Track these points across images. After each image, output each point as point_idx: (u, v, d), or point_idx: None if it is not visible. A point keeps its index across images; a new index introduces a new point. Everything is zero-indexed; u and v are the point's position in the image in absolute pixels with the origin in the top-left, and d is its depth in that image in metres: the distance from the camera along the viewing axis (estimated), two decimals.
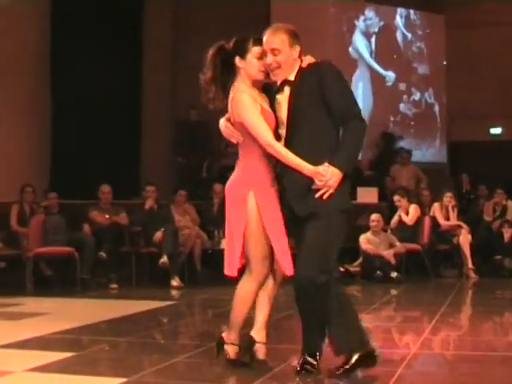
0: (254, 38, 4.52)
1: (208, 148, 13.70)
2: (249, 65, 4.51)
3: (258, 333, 4.63)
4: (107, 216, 10.76)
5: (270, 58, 4.43)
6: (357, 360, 4.47)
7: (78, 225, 10.55)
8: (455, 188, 13.37)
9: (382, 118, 16.47)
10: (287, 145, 4.42)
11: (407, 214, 11.37)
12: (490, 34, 16.51)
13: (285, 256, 4.48)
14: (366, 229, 11.08)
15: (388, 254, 10.68)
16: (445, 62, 17.12)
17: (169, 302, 8.62)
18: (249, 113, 4.42)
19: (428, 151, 17.14)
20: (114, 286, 9.98)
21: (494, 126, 17.26)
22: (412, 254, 11.10)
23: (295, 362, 4.64)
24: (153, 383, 4.42)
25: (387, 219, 11.48)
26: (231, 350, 4.66)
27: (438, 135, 17.26)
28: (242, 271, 4.60)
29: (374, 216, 10.98)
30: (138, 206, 11.24)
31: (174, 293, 9.65)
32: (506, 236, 11.64)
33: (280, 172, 4.51)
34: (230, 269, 4.56)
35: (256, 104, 4.47)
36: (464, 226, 11.52)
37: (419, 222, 11.43)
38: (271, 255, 4.52)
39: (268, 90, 4.64)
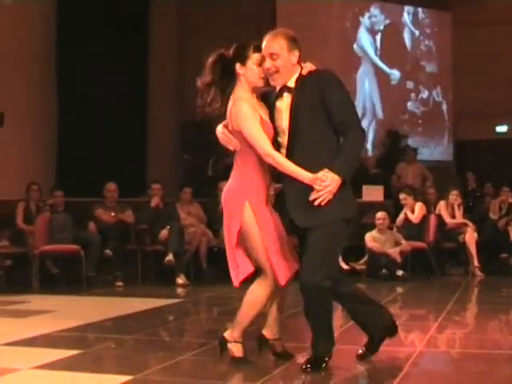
0: (254, 44, 4.52)
1: (213, 146, 13.71)
2: (249, 71, 4.51)
3: (269, 329, 4.73)
4: (113, 214, 10.77)
5: (268, 63, 4.44)
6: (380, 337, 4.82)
7: (83, 223, 10.56)
8: (461, 186, 13.35)
9: (389, 117, 16.47)
10: (289, 152, 4.43)
11: (413, 212, 11.36)
12: (496, 31, 16.48)
13: (279, 266, 4.48)
14: (372, 227, 11.07)
15: (394, 252, 10.66)
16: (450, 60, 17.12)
17: (174, 300, 8.62)
18: (248, 122, 4.42)
19: (436, 149, 17.16)
20: (120, 283, 9.99)
21: (500, 124, 17.24)
22: (418, 252, 11.08)
23: (301, 359, 4.65)
24: (158, 381, 4.42)
25: (393, 217, 11.46)
26: (235, 348, 4.66)
27: (446, 133, 17.26)
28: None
29: (379, 214, 10.96)
30: (144, 203, 11.24)
31: (179, 291, 9.65)
32: None
33: (281, 182, 4.54)
34: (234, 280, 4.60)
35: (255, 113, 4.47)
36: (470, 224, 11.50)
37: (425, 220, 11.41)
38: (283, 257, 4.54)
39: (266, 97, 4.63)
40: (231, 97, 4.54)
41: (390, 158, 14.70)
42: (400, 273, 10.51)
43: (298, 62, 4.50)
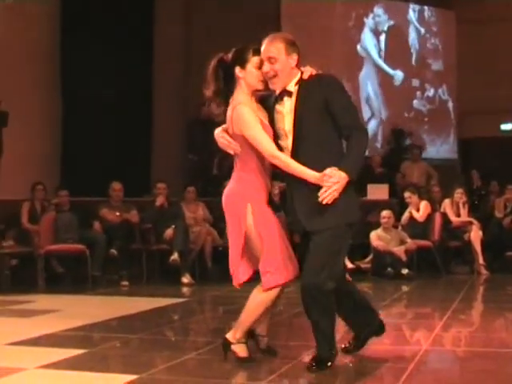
0: (254, 48, 4.53)
1: (218, 146, 13.68)
2: (248, 74, 4.52)
3: (259, 325, 4.74)
4: (118, 213, 10.78)
5: (266, 67, 4.44)
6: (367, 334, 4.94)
7: (88, 222, 10.58)
8: (466, 184, 13.33)
9: (394, 115, 16.45)
10: (293, 155, 4.44)
11: (418, 210, 11.35)
12: (500, 29, 16.47)
13: (277, 270, 4.49)
14: (377, 225, 11.07)
15: (399, 250, 10.66)
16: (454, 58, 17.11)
17: (180, 299, 8.63)
18: (250, 126, 4.43)
19: (442, 147, 17.16)
20: (125, 283, 10.00)
21: (505, 122, 17.21)
22: (423, 251, 11.08)
23: (306, 358, 4.66)
24: (164, 380, 4.42)
25: (398, 216, 11.45)
26: (240, 349, 4.68)
27: (452, 131, 17.26)
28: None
29: (384, 213, 10.96)
30: (149, 203, 11.26)
31: (184, 290, 9.66)
32: None
33: (286, 186, 4.57)
34: (235, 280, 4.63)
35: (256, 116, 4.48)
36: (475, 222, 11.49)
37: (430, 218, 11.41)
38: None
39: (263, 101, 4.63)
40: (231, 100, 4.55)
41: (395, 157, 14.69)
42: (405, 271, 10.50)
43: (297, 66, 4.51)
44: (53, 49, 12.69)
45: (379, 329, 5.04)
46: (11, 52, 12.00)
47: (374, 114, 16.54)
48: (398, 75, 16.89)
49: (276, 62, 4.42)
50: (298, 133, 4.43)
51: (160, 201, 10.88)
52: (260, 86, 4.54)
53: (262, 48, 4.47)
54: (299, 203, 4.46)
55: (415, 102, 17.09)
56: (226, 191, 4.63)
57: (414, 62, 17.12)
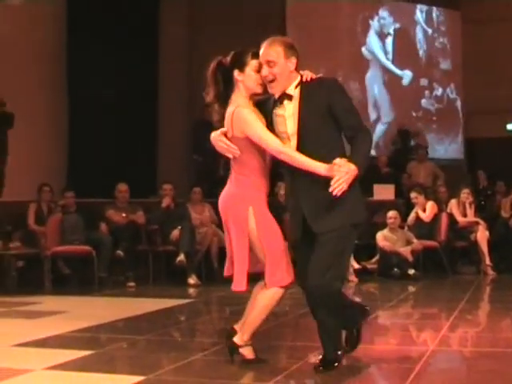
0: (253, 51, 4.52)
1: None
2: (247, 78, 4.51)
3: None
4: (124, 215, 10.79)
5: (265, 70, 4.43)
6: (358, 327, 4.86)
7: (95, 224, 10.59)
8: (472, 184, 13.32)
9: (402, 115, 16.43)
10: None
11: (424, 210, 11.34)
12: (506, 29, 16.44)
13: (282, 270, 4.50)
14: (383, 226, 11.06)
15: (405, 251, 10.65)
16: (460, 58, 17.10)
17: (186, 300, 8.63)
18: (253, 125, 4.42)
19: (451, 146, 17.15)
20: (132, 284, 10.00)
21: (511, 122, 17.17)
22: (429, 251, 11.07)
23: (313, 359, 4.67)
24: (171, 381, 4.43)
25: (404, 216, 11.45)
26: (248, 352, 4.69)
27: (461, 131, 17.26)
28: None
29: (390, 213, 10.95)
30: (155, 204, 11.27)
31: (191, 291, 9.66)
32: None
33: (290, 186, 4.55)
34: (238, 284, 4.59)
35: (257, 117, 4.49)
36: (481, 222, 11.47)
37: (436, 218, 11.39)
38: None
39: (260, 105, 4.62)
40: (229, 104, 4.54)
41: (402, 157, 14.68)
42: (411, 272, 10.49)
43: (296, 69, 4.49)
44: (59, 49, 12.71)
45: (364, 312, 4.95)
46: (17, 52, 12.03)
47: (380, 116, 16.52)
48: (407, 75, 16.87)
49: (275, 65, 4.40)
50: (302, 135, 4.42)
51: (166, 202, 10.89)
52: (259, 90, 4.54)
53: (261, 51, 4.46)
54: (306, 203, 4.45)
55: (423, 101, 17.08)
56: (224, 195, 4.63)
57: (421, 62, 17.10)
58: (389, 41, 16.71)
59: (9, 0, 12.03)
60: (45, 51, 12.32)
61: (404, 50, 16.90)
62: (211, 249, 10.66)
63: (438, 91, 17.23)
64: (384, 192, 12.76)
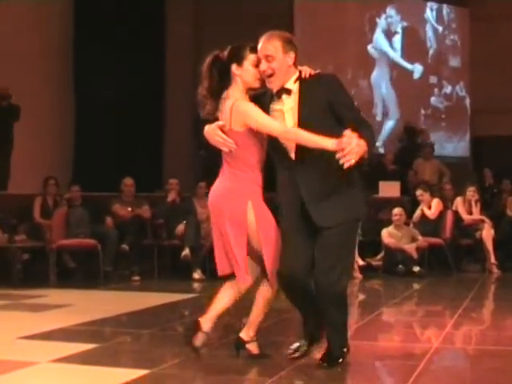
0: (251, 45, 4.50)
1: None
2: (245, 72, 4.49)
3: (206, 322, 4.72)
4: (130, 209, 10.81)
5: (264, 65, 4.41)
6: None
7: (100, 217, 10.61)
8: (478, 182, 13.31)
9: (410, 113, 16.40)
10: (298, 151, 4.41)
11: (430, 208, 11.35)
12: None
13: (275, 262, 4.50)
14: (389, 223, 11.06)
15: (410, 248, 10.66)
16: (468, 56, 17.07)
17: (191, 295, 8.65)
18: (256, 114, 4.40)
19: (459, 144, 17.14)
20: (137, 278, 10.03)
21: None
22: (434, 249, 11.09)
23: (317, 355, 4.66)
24: (175, 375, 4.44)
25: (409, 213, 11.45)
26: (254, 347, 4.71)
27: (469, 129, 17.24)
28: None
29: (396, 210, 10.96)
30: (161, 198, 11.29)
31: (195, 285, 9.68)
32: None
33: (288, 182, 4.49)
34: (243, 280, 4.60)
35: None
36: (487, 220, 11.47)
37: (442, 216, 11.39)
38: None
39: (254, 100, 4.58)
40: (224, 97, 4.52)
41: (408, 154, 14.67)
42: (416, 269, 10.48)
43: (295, 64, 4.48)
44: (66, 46, 12.82)
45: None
46: (24, 49, 12.10)
47: (388, 114, 16.50)
48: (418, 69, 16.83)
49: (273, 60, 4.39)
50: (302, 124, 4.38)
51: (172, 196, 10.91)
52: (256, 84, 4.52)
53: (259, 46, 4.45)
54: (308, 197, 4.42)
55: (433, 99, 17.05)
56: (219, 190, 4.58)
57: (430, 60, 17.07)
58: (396, 39, 16.68)
59: None
60: (51, 48, 12.40)
61: (412, 48, 16.85)
62: None
63: (448, 89, 17.21)
64: (390, 189, 12.77)
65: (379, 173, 13.27)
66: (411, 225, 11.27)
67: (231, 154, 4.51)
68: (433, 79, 17.11)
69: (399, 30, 16.73)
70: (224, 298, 4.78)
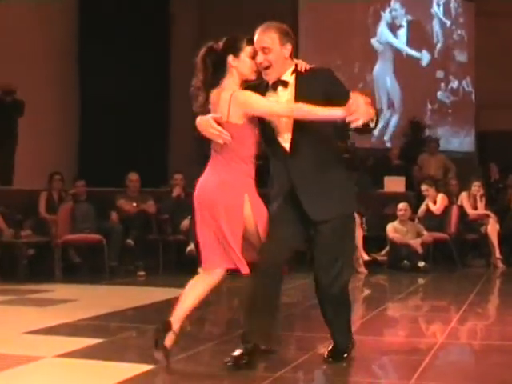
0: (247, 37, 4.47)
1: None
2: (242, 64, 4.45)
3: (175, 322, 4.54)
4: (135, 204, 10.83)
5: (260, 57, 4.39)
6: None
7: (106, 212, 10.63)
8: (484, 177, 13.30)
9: (415, 108, 16.37)
10: (294, 147, 4.40)
11: (435, 203, 11.35)
12: None
13: None
14: (394, 218, 11.07)
15: (415, 243, 10.66)
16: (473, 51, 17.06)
17: None
18: (257, 102, 4.37)
19: (465, 139, 17.14)
20: (142, 273, 10.05)
21: None
22: (439, 244, 11.09)
23: (322, 350, 4.68)
24: (180, 370, 4.45)
25: (414, 208, 11.46)
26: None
27: (474, 124, 17.23)
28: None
29: (401, 205, 10.96)
30: (166, 194, 11.30)
31: None
32: None
33: (287, 175, 4.44)
34: (245, 269, 4.56)
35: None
36: (492, 215, 11.47)
37: (447, 211, 11.40)
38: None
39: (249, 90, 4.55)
40: (219, 89, 4.48)
41: (413, 149, 14.67)
42: (421, 264, 10.48)
43: (291, 56, 4.46)
44: (71, 43, 12.89)
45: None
46: (29, 47, 12.15)
47: (393, 108, 16.48)
48: (425, 56, 16.82)
49: (270, 52, 4.37)
50: (299, 125, 4.37)
51: (177, 192, 10.92)
52: (252, 77, 4.49)
53: (255, 38, 4.42)
54: (302, 188, 4.39)
55: (439, 93, 17.04)
56: (212, 182, 4.52)
57: (437, 55, 17.05)
58: (401, 32, 16.65)
59: None
60: (56, 46, 12.49)
61: (418, 42, 16.84)
62: None
63: (454, 84, 17.19)
64: (395, 184, 12.77)
65: (384, 168, 13.28)
66: (416, 220, 11.27)
67: (226, 147, 4.44)
68: (439, 74, 17.10)
69: (404, 23, 16.71)
70: (191, 295, 4.64)
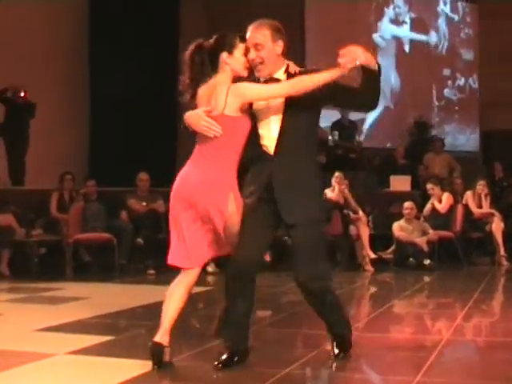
0: (240, 34, 4.47)
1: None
2: (235, 61, 4.44)
3: (164, 337, 4.53)
4: (144, 203, 10.89)
5: (253, 54, 4.39)
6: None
7: (116, 212, 10.71)
8: (488, 176, 13.32)
9: (421, 105, 16.38)
10: (279, 146, 4.41)
11: (440, 202, 11.39)
12: None
13: None
14: (399, 216, 11.10)
15: (421, 241, 10.70)
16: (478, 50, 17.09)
17: (204, 288, 8.64)
18: (256, 89, 4.37)
19: (471, 136, 17.15)
20: (151, 271, 10.09)
21: None
22: (445, 242, 11.12)
23: (329, 346, 4.71)
24: (189, 367, 4.52)
25: (420, 207, 11.50)
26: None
27: (479, 123, 17.25)
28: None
29: (407, 204, 11.00)
30: None
31: (209, 279, 9.69)
32: None
33: (265, 179, 4.46)
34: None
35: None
36: (496, 213, 11.50)
37: (452, 210, 11.44)
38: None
39: None
40: (212, 84, 4.43)
41: (418, 149, 14.69)
42: (427, 262, 10.53)
43: (283, 53, 4.46)
44: (80, 43, 12.94)
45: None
46: (40, 46, 12.23)
47: (397, 105, 16.50)
48: (432, 37, 16.83)
49: (262, 48, 4.37)
50: (287, 119, 4.39)
51: None
52: (245, 73, 4.47)
53: (248, 35, 4.43)
54: (280, 194, 4.40)
55: (446, 90, 17.05)
56: (200, 178, 4.43)
57: (444, 52, 17.08)
58: (403, 29, 16.68)
59: None
60: (66, 46, 12.56)
61: (421, 41, 16.87)
62: None
63: (461, 81, 17.20)
64: (400, 183, 12.81)
65: (390, 167, 13.32)
66: (422, 218, 11.31)
67: (215, 140, 4.37)
68: (446, 71, 17.11)
69: (407, 20, 16.73)
70: (172, 305, 4.75)
